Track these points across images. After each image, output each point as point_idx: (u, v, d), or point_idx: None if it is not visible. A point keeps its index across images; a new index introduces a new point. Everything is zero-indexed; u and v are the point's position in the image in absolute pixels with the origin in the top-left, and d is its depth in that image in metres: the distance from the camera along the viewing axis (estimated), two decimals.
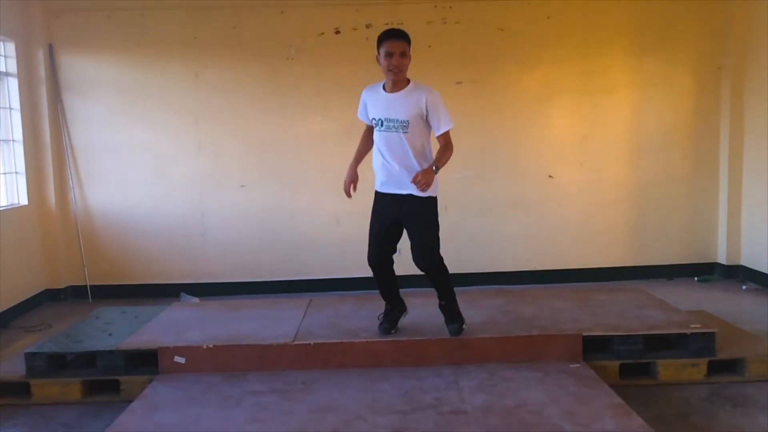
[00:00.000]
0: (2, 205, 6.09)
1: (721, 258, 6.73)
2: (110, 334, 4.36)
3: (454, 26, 6.46)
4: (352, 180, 4.20)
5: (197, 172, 6.56)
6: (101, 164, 6.53)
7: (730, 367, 4.08)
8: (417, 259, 4.02)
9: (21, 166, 6.21)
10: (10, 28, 6.03)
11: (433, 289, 4.19)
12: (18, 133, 6.18)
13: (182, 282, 6.52)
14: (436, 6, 6.43)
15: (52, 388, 4.00)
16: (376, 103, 4.03)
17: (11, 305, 5.87)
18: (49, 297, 6.46)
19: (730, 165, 6.58)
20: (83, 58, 6.46)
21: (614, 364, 4.02)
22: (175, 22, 6.41)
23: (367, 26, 6.36)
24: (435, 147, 4.05)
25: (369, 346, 4.07)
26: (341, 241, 6.50)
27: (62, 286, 6.53)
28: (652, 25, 6.54)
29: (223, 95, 6.49)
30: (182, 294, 6.36)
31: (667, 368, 4.03)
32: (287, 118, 6.53)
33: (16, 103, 6.16)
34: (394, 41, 3.88)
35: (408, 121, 3.91)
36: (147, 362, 4.07)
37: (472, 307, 4.58)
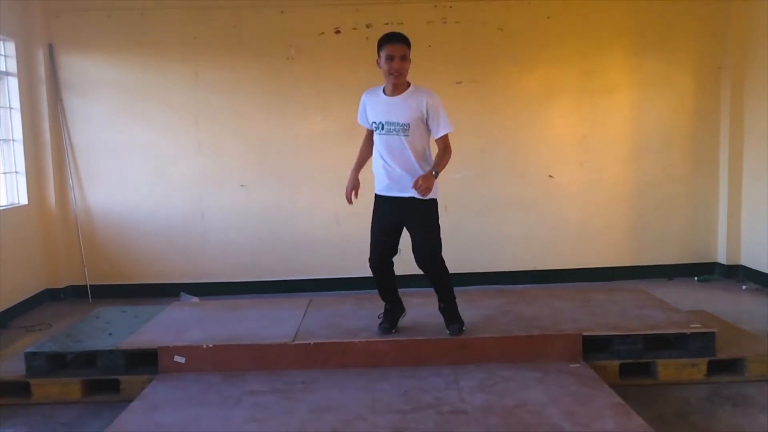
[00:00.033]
0: (2, 204, 6.09)
1: (721, 258, 6.73)
2: (110, 334, 4.36)
3: (454, 26, 6.46)
4: (354, 186, 4.20)
5: (197, 172, 6.56)
6: (101, 164, 6.53)
7: (730, 366, 4.08)
8: (419, 261, 4.03)
9: (21, 166, 6.21)
10: (10, 28, 6.04)
11: (432, 289, 4.19)
12: (18, 133, 6.19)
13: (182, 282, 6.52)
14: (436, 6, 6.43)
15: (52, 388, 4.00)
16: (376, 106, 4.02)
17: (11, 305, 5.88)
18: (49, 297, 6.46)
19: (730, 165, 6.59)
20: (83, 58, 6.46)
21: (614, 363, 4.02)
22: (175, 22, 6.41)
23: (367, 26, 6.36)
24: (435, 149, 4.05)
25: (369, 346, 4.07)
26: (341, 241, 6.50)
27: (62, 285, 6.53)
28: (652, 25, 6.54)
29: (223, 95, 6.49)
30: (182, 294, 6.36)
31: (667, 368, 4.03)
32: (287, 118, 6.53)
33: (16, 103, 6.16)
34: (395, 45, 3.87)
35: (409, 124, 3.91)
36: (147, 362, 4.07)
37: (472, 307, 4.58)
